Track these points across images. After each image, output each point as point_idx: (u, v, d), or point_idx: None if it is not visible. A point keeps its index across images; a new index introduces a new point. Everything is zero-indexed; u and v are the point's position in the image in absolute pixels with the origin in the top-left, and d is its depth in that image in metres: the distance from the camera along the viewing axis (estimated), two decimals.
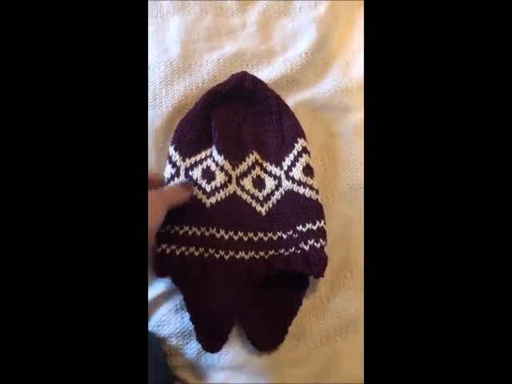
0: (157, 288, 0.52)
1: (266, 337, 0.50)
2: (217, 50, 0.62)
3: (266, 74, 0.60)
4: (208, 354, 0.50)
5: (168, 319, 0.51)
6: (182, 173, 0.54)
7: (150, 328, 0.52)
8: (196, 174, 0.54)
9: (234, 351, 0.50)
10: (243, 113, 0.57)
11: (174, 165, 0.54)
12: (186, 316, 0.51)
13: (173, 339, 0.51)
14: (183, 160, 0.55)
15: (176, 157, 0.54)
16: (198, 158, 0.55)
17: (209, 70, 0.60)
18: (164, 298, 0.52)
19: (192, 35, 0.63)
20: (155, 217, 0.45)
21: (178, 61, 0.61)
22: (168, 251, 0.50)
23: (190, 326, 0.51)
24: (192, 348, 0.51)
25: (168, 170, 0.54)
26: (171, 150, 0.55)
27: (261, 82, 0.57)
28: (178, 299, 0.52)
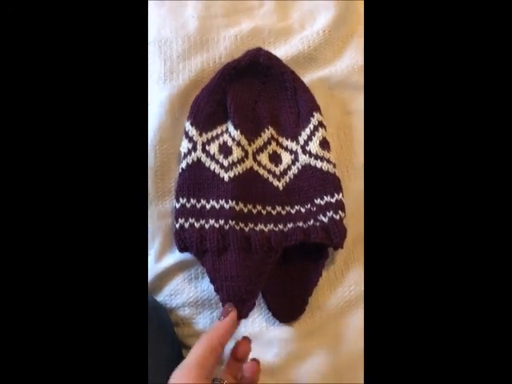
0: (172, 258, 0.52)
1: (286, 307, 0.50)
2: (234, 27, 0.62)
3: (282, 51, 0.60)
4: None
5: (182, 288, 0.52)
6: (199, 147, 0.54)
7: (161, 298, 0.52)
8: (213, 148, 0.54)
9: (247, 322, 0.51)
10: (258, 89, 0.58)
11: (190, 139, 0.54)
12: (200, 286, 0.51)
13: (186, 308, 0.52)
14: (200, 135, 0.55)
15: (192, 132, 0.55)
16: (214, 133, 0.55)
17: (226, 46, 0.60)
18: (179, 268, 0.52)
19: (209, 11, 0.63)
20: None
21: (196, 36, 0.61)
22: (187, 225, 0.51)
23: (204, 295, 0.51)
24: (205, 317, 0.51)
25: (185, 145, 0.54)
26: (187, 125, 0.55)
27: (276, 57, 0.57)
28: (192, 269, 0.52)
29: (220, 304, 0.49)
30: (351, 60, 0.60)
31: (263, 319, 0.51)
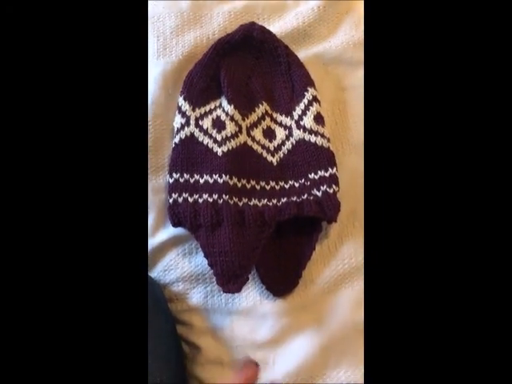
0: (165, 234, 0.52)
1: (280, 281, 0.50)
2: (228, 3, 0.61)
3: (277, 27, 0.60)
4: (215, 297, 0.51)
5: (175, 263, 0.52)
6: (192, 122, 0.54)
7: (155, 274, 0.52)
8: (206, 123, 0.54)
9: (240, 296, 0.50)
10: (252, 64, 0.57)
11: (183, 114, 0.54)
12: (194, 260, 0.51)
13: (179, 284, 0.52)
14: (193, 110, 0.54)
15: (186, 107, 0.54)
16: (207, 108, 0.55)
17: (219, 22, 0.60)
18: (172, 243, 0.52)
19: None
20: None
21: (189, 12, 0.60)
22: (180, 200, 0.50)
23: (198, 270, 0.51)
24: (199, 292, 0.51)
25: (178, 120, 0.54)
26: (180, 100, 0.54)
27: (269, 32, 0.57)
28: (186, 244, 0.52)
29: (214, 279, 0.49)
30: (346, 36, 0.60)
31: (257, 293, 0.51)
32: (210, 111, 0.55)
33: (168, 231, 0.52)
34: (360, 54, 0.59)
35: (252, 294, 0.51)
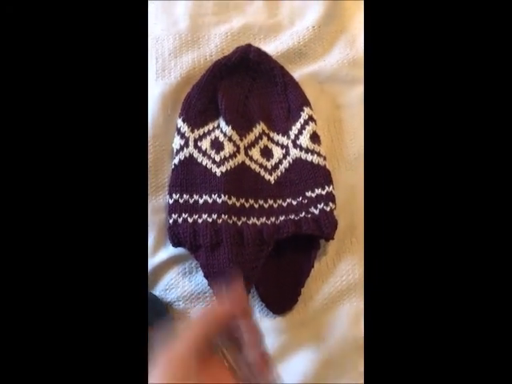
0: (166, 253, 0.53)
1: (280, 299, 0.51)
2: (225, 24, 0.63)
3: (273, 47, 0.61)
4: None
5: (176, 282, 0.52)
6: (191, 143, 0.55)
7: (157, 293, 0.53)
8: (205, 144, 0.55)
9: None
10: (249, 85, 0.58)
11: (182, 136, 0.55)
12: (194, 279, 0.52)
13: (180, 303, 0.52)
14: (192, 131, 0.55)
15: (184, 128, 0.55)
16: (206, 129, 0.56)
17: (216, 43, 0.61)
18: (173, 262, 0.53)
19: (200, 9, 0.63)
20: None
21: (187, 34, 0.61)
22: (180, 220, 0.51)
23: (198, 288, 0.52)
24: (199, 311, 0.51)
25: (177, 142, 0.55)
26: (179, 122, 0.56)
27: (265, 53, 0.58)
28: (187, 263, 0.53)
29: (214, 298, 0.50)
30: (340, 54, 0.61)
31: (256, 310, 0.51)
32: (209, 132, 0.56)
33: (168, 250, 0.53)
34: (355, 72, 0.60)
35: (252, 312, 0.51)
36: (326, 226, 0.50)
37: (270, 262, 0.51)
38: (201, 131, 0.56)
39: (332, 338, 0.50)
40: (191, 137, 0.55)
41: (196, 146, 0.55)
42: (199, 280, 0.52)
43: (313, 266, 0.52)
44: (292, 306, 0.51)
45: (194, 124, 0.56)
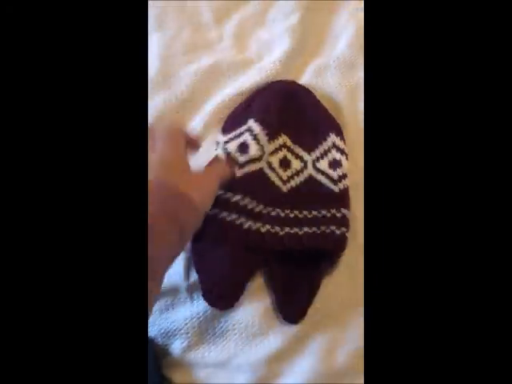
0: None
1: (295, 308, 0.52)
2: (194, 63, 0.65)
3: (240, 82, 0.63)
4: (192, 351, 0.52)
5: (153, 320, 0.53)
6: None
7: None
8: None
9: (216, 349, 0.52)
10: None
11: None
12: (170, 316, 0.53)
13: (159, 340, 0.53)
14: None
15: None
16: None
17: (186, 83, 0.63)
18: None
19: (170, 50, 0.66)
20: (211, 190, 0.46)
21: (158, 75, 0.64)
22: None
23: (174, 326, 0.53)
24: (176, 348, 0.52)
25: None
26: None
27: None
28: (162, 301, 0.54)
29: (190, 333, 0.51)
30: (305, 82, 0.63)
31: (232, 345, 0.52)
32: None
33: None
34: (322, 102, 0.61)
35: (227, 346, 0.52)
36: (334, 245, 0.52)
37: (278, 271, 0.53)
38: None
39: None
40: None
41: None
42: (174, 317, 0.53)
43: (322, 277, 0.53)
44: (305, 314, 0.52)
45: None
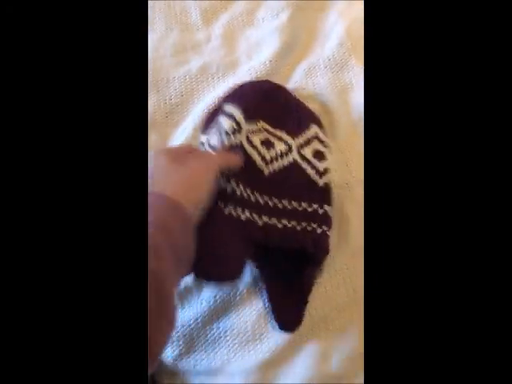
0: None
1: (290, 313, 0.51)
2: (183, 65, 0.64)
3: (230, 83, 0.62)
4: (184, 359, 0.51)
5: None
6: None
7: None
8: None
9: (208, 357, 0.51)
10: None
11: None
12: None
13: None
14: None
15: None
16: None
17: (175, 87, 0.62)
18: None
19: (159, 52, 0.65)
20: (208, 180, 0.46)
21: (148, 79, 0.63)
22: None
23: None
24: (167, 356, 0.52)
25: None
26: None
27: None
28: None
29: (181, 341, 0.51)
30: (295, 84, 0.62)
31: (224, 352, 0.51)
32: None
33: None
34: (310, 105, 0.60)
35: (220, 353, 0.51)
36: (316, 247, 0.50)
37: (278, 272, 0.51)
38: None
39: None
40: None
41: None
42: None
43: (315, 278, 0.52)
44: (301, 319, 0.51)
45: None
